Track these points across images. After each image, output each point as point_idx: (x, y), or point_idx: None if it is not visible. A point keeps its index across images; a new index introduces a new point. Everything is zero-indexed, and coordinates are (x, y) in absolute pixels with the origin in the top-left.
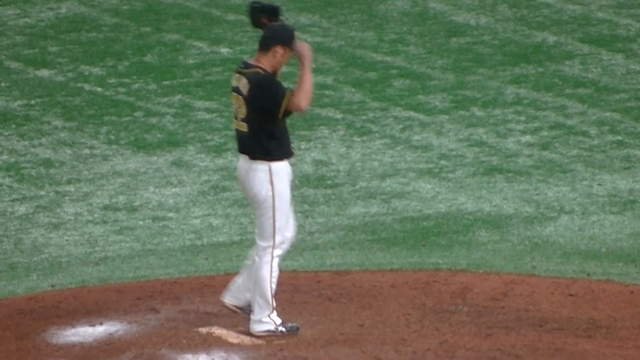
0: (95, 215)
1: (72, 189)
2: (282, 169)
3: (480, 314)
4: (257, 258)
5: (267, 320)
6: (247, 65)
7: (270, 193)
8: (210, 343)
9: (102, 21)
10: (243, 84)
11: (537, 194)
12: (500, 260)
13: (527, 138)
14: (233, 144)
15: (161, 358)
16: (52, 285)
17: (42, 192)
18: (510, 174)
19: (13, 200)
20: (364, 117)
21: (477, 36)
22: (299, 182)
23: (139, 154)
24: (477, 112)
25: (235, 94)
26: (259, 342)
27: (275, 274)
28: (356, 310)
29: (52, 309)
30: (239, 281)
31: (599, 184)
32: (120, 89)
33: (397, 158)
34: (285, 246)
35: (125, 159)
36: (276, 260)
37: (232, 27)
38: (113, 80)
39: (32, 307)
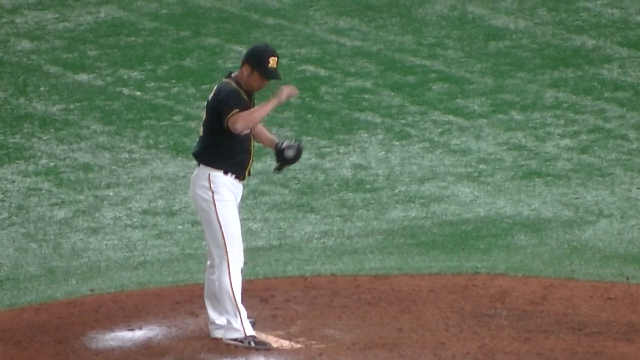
0: (134, 220)
1: (111, 194)
2: (222, 180)
3: (519, 317)
4: (215, 271)
5: (237, 326)
6: (227, 75)
7: (210, 199)
8: (249, 348)
9: (141, 25)
10: (212, 92)
11: (576, 198)
12: (539, 264)
13: (566, 142)
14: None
15: None
16: (91, 290)
17: (81, 197)
18: (549, 178)
19: (52, 205)
20: (402, 121)
21: (516, 40)
22: (338, 186)
23: (177, 158)
24: (516, 115)
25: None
26: (298, 346)
27: (237, 282)
28: (395, 314)
29: (91, 314)
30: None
31: (638, 188)
32: (159, 93)
33: (436, 162)
34: (242, 261)
35: (164, 163)
36: (235, 268)
37: (271, 30)
38: (152, 84)
39: (71, 312)
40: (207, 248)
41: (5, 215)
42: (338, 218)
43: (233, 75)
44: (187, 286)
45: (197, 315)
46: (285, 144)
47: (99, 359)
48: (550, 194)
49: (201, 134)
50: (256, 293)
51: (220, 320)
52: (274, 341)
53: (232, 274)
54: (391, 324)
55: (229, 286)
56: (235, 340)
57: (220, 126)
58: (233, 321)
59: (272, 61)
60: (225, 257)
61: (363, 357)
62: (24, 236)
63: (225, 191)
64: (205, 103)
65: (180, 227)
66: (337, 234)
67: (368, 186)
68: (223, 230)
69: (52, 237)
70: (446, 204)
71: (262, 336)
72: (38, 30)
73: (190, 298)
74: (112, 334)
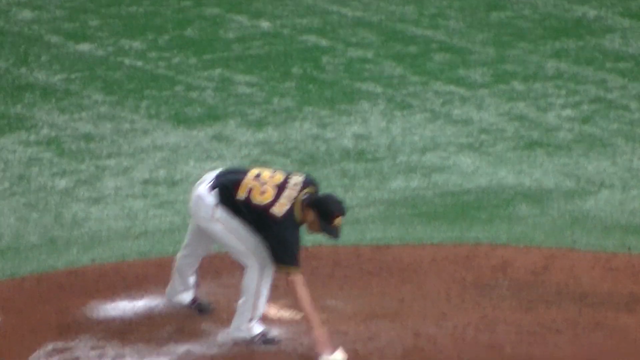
0: (136, 190)
1: (113, 163)
2: (227, 211)
3: (520, 288)
4: (245, 270)
5: (244, 327)
6: (304, 201)
7: (218, 221)
8: (251, 319)
9: None
10: (284, 202)
11: (577, 168)
12: (541, 235)
13: (568, 112)
14: (274, 118)
15: (201, 333)
16: (93, 260)
17: (83, 167)
18: (550, 148)
19: (53, 175)
20: (404, 92)
21: (518, 10)
22: (339, 156)
23: (179, 128)
24: (518, 86)
25: (280, 178)
26: (298, 316)
27: (265, 292)
28: (396, 284)
29: (92, 283)
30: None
31: None
32: (161, 63)
33: (438, 132)
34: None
35: (165, 133)
36: (267, 280)
37: (272, 0)
38: (153, 54)
39: (72, 281)
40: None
41: (7, 185)
42: (339, 188)
43: (305, 200)
44: None
45: (199, 285)
46: None
47: (100, 329)
48: (552, 164)
49: (242, 190)
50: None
51: (181, 299)
52: (273, 312)
53: (264, 280)
54: (393, 294)
55: (254, 288)
56: (242, 339)
57: (251, 219)
58: (242, 322)
59: (338, 221)
60: (255, 267)
61: (364, 328)
62: (25, 206)
63: (229, 216)
64: (282, 175)
65: (181, 196)
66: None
67: (369, 156)
68: (245, 245)
69: (54, 206)
70: (448, 174)
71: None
72: (39, 0)
73: None
74: (113, 304)
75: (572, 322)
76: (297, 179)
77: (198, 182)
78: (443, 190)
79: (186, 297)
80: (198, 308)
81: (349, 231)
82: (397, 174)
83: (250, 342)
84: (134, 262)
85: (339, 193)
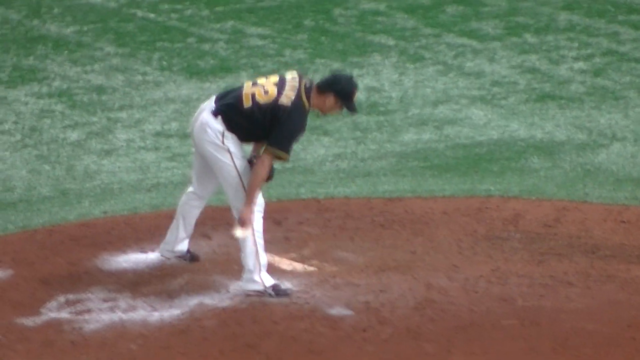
0: (147, 142)
1: (125, 116)
2: (234, 140)
3: (532, 240)
4: (236, 216)
5: (257, 279)
6: (307, 90)
7: (226, 149)
8: (263, 279)
9: None
10: (289, 94)
11: (589, 121)
12: (553, 187)
13: (580, 65)
14: (286, 70)
15: (213, 284)
16: (104, 212)
17: (94, 119)
18: (562, 101)
19: (65, 127)
20: (416, 44)
21: None
22: None
23: (191, 80)
24: (530, 38)
25: (277, 79)
26: (311, 269)
27: (259, 229)
28: (408, 236)
29: (104, 236)
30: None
31: None
32: (173, 15)
33: (450, 85)
34: (262, 206)
35: (177, 85)
36: (258, 217)
37: None
38: (165, 6)
39: (84, 234)
40: (194, 175)
41: (19, 137)
42: (351, 141)
43: (311, 95)
44: None
45: (210, 238)
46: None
47: (112, 281)
48: (564, 117)
49: (245, 100)
50: (269, 215)
51: (180, 247)
52: (286, 264)
53: (256, 222)
54: (404, 247)
55: (253, 237)
56: (255, 292)
57: (263, 124)
58: (252, 274)
59: (356, 95)
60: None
61: (376, 280)
62: (37, 158)
63: (236, 145)
64: (276, 78)
65: (193, 149)
66: (351, 157)
67: (381, 109)
68: (243, 182)
69: (65, 159)
70: (459, 127)
71: (276, 259)
72: None
73: (203, 220)
74: (125, 256)
75: (583, 275)
76: (292, 74)
77: (197, 111)
78: (455, 142)
79: (184, 245)
80: (191, 258)
81: (361, 183)
82: (409, 126)
83: (263, 293)
84: (145, 214)
85: (350, 146)
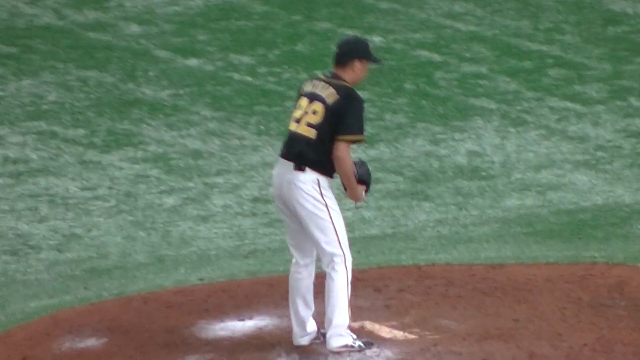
0: (245, 208)
1: (221, 181)
2: (329, 185)
3: (637, 307)
4: (329, 271)
5: (344, 333)
6: (333, 76)
7: (323, 203)
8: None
9: (252, 9)
10: (328, 93)
11: None
12: None
13: None
14: (386, 135)
15: (312, 353)
16: (201, 279)
17: (191, 184)
18: None
19: (161, 192)
20: (518, 107)
21: (635, 25)
22: (453, 174)
23: None
24: (635, 102)
25: (307, 98)
26: (412, 337)
27: (349, 283)
28: (511, 304)
29: (201, 303)
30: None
31: None
32: (270, 78)
33: (553, 149)
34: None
35: (275, 149)
36: (350, 271)
37: (384, 15)
38: (263, 70)
39: (180, 301)
40: (290, 244)
41: (114, 202)
42: (453, 206)
43: (337, 74)
44: None
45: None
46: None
47: (208, 349)
48: None
49: (311, 135)
50: (369, 282)
51: (310, 326)
52: (386, 332)
53: (349, 276)
54: (507, 314)
55: (346, 289)
56: (344, 347)
57: (334, 133)
58: (339, 328)
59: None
60: (343, 260)
61: (478, 348)
62: (132, 224)
63: (332, 195)
64: (304, 104)
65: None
66: (452, 223)
67: (483, 174)
68: (338, 233)
69: (161, 225)
70: (563, 192)
71: (376, 327)
72: (147, 14)
73: None
74: (222, 324)
75: None
76: (308, 85)
77: (275, 178)
78: (558, 208)
79: (312, 325)
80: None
81: (463, 249)
82: (511, 191)
83: (352, 347)
84: (243, 281)
85: (452, 211)
